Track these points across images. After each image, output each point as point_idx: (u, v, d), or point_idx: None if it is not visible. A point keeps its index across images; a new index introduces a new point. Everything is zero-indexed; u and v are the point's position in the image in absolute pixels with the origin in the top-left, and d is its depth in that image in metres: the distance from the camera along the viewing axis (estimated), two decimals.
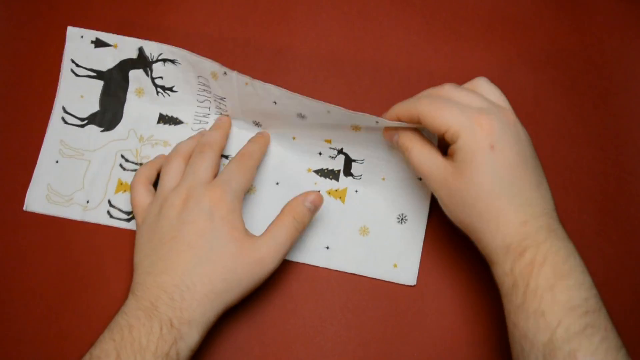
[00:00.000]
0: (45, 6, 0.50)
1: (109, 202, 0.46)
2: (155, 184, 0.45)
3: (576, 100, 0.50)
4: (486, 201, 0.35)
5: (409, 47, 0.51)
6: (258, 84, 0.41)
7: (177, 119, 0.48)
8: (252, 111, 0.45)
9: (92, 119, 0.48)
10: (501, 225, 0.35)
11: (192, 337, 0.37)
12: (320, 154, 0.46)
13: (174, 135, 0.48)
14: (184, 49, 0.44)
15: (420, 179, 0.45)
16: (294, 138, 0.46)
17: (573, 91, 0.51)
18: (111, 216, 0.46)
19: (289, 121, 0.44)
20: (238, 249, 0.39)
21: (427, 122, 0.37)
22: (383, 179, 0.46)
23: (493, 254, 0.36)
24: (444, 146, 0.39)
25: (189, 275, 0.37)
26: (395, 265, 0.45)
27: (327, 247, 0.45)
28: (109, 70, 0.48)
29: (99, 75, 0.48)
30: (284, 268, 0.44)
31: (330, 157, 0.46)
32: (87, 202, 0.46)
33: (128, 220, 0.46)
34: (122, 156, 0.47)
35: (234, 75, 0.42)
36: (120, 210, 0.46)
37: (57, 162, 0.47)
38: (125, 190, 0.47)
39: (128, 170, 0.47)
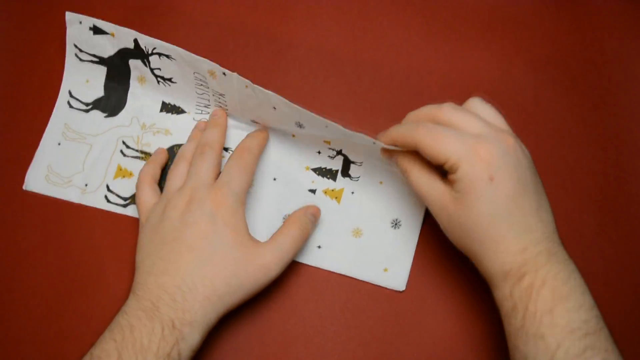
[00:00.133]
0: None
1: (107, 186, 0.47)
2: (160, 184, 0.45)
3: (576, 100, 0.50)
4: (485, 230, 0.36)
5: (409, 47, 0.51)
6: (258, 89, 0.41)
7: (179, 107, 0.48)
8: (251, 111, 0.45)
9: (97, 104, 0.48)
10: (500, 252, 0.35)
11: (193, 337, 0.37)
12: (319, 152, 0.46)
13: (175, 124, 0.48)
14: (178, 47, 0.43)
15: None
16: (293, 135, 0.46)
17: (573, 91, 0.51)
18: (108, 201, 0.46)
19: (288, 127, 0.45)
20: (241, 253, 0.39)
21: (426, 152, 0.36)
22: (380, 182, 0.46)
23: (492, 278, 0.36)
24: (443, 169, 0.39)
25: (190, 277, 0.37)
26: (385, 270, 0.44)
27: (319, 247, 0.45)
28: (110, 57, 0.48)
29: (102, 61, 0.48)
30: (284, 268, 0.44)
31: (329, 156, 0.46)
32: (86, 185, 0.47)
33: (125, 205, 0.46)
34: (124, 142, 0.48)
35: (234, 76, 0.42)
36: (117, 195, 0.46)
37: (59, 144, 0.47)
38: (124, 176, 0.47)
39: (128, 156, 0.47)
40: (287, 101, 0.41)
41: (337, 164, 0.47)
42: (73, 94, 0.48)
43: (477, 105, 0.39)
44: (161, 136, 0.48)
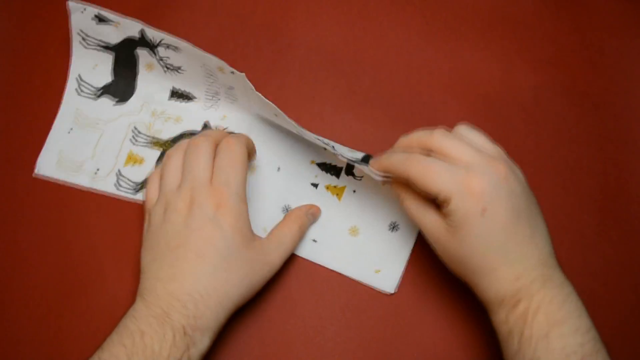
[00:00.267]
0: None
1: (119, 172, 0.47)
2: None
3: (576, 100, 0.50)
4: (479, 260, 0.36)
5: (409, 47, 0.51)
6: (262, 97, 0.42)
7: (189, 94, 0.48)
8: (258, 109, 0.46)
9: (107, 90, 0.48)
10: (494, 281, 0.36)
11: (203, 342, 0.37)
12: (325, 149, 0.47)
13: (185, 111, 0.48)
14: (186, 42, 0.43)
15: None
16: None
17: (573, 91, 0.51)
18: (119, 187, 0.46)
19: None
20: (249, 254, 0.39)
21: (417, 185, 0.37)
22: (383, 184, 0.46)
23: (488, 303, 0.37)
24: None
25: (201, 284, 0.37)
26: (377, 271, 0.44)
27: (315, 240, 0.45)
28: (116, 45, 0.47)
29: (108, 47, 0.48)
30: (285, 268, 0.44)
31: (334, 154, 0.47)
32: (97, 170, 0.47)
33: (135, 192, 0.46)
34: (135, 129, 0.48)
35: (242, 76, 0.42)
36: (128, 181, 0.47)
37: (71, 129, 0.47)
38: (134, 163, 0.47)
39: (139, 143, 0.48)
40: (286, 117, 0.41)
41: (342, 162, 0.47)
42: (82, 78, 0.48)
43: (466, 132, 0.39)
44: (171, 123, 0.48)
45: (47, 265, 0.45)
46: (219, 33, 0.51)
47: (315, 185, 0.47)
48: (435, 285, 0.45)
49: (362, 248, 0.45)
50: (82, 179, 0.46)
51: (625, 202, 0.48)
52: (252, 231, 0.40)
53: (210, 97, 0.48)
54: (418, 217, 0.39)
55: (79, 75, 0.48)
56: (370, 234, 0.45)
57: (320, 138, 0.44)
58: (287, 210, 0.46)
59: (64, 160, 0.47)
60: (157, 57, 0.47)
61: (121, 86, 0.49)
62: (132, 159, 0.47)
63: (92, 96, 0.48)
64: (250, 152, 0.42)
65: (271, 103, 0.42)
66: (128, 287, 0.44)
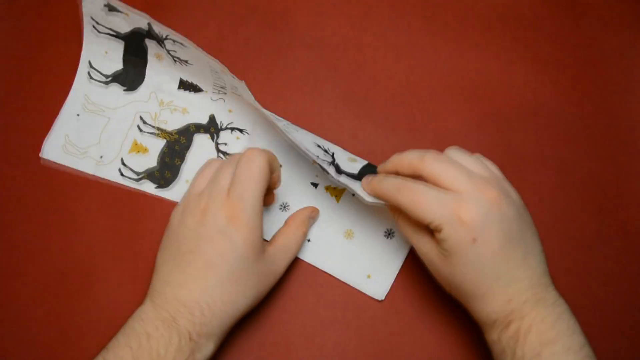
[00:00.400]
0: None
1: (122, 160, 0.47)
2: None
3: (576, 100, 0.50)
4: (471, 285, 0.36)
5: (409, 47, 0.51)
6: (262, 108, 0.42)
7: (197, 85, 0.48)
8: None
9: (116, 78, 0.49)
10: (486, 304, 0.36)
11: (208, 348, 0.37)
12: (323, 168, 0.46)
13: (193, 102, 0.48)
14: (191, 42, 0.43)
15: None
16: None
17: (573, 91, 0.51)
18: (122, 174, 0.47)
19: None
20: (259, 266, 0.39)
21: (409, 214, 0.37)
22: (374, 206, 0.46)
23: (481, 324, 0.38)
24: None
25: (209, 294, 0.37)
26: (368, 276, 0.45)
27: (309, 240, 0.45)
28: (126, 34, 0.48)
29: (119, 35, 0.48)
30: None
31: (330, 175, 0.46)
32: (101, 157, 0.47)
33: (138, 180, 0.46)
34: (141, 118, 0.48)
35: (242, 84, 0.43)
36: (131, 169, 0.47)
37: (78, 115, 0.48)
38: (139, 151, 0.47)
39: (145, 132, 0.48)
40: (281, 129, 0.42)
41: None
42: (93, 64, 0.49)
43: (457, 154, 0.38)
44: (178, 114, 0.48)
45: (48, 264, 0.45)
46: (219, 33, 0.51)
47: (315, 185, 0.47)
48: (429, 292, 0.45)
49: (356, 252, 0.45)
50: (86, 165, 0.47)
51: (625, 202, 0.48)
52: (262, 243, 0.39)
53: (217, 91, 0.48)
54: (412, 240, 0.39)
55: (90, 62, 0.48)
56: (365, 239, 0.45)
57: (321, 144, 0.44)
58: (284, 208, 0.46)
59: (70, 144, 0.47)
60: (165, 49, 0.47)
61: (131, 74, 0.49)
62: (137, 148, 0.47)
63: (102, 83, 0.49)
64: (273, 168, 0.41)
65: (270, 117, 0.42)
66: (128, 287, 0.44)
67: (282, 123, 0.46)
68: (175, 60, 0.47)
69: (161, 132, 0.48)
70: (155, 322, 0.36)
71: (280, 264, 0.41)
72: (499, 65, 0.51)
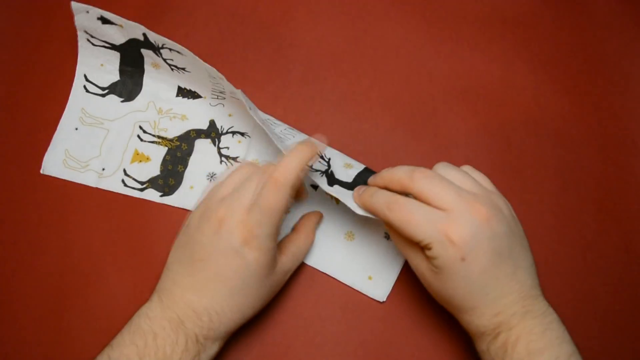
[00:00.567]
0: None
1: (125, 171, 0.47)
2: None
3: (576, 100, 0.50)
4: (460, 300, 0.37)
5: (409, 47, 0.51)
6: (256, 119, 0.42)
7: (195, 92, 0.49)
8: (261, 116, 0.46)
9: (113, 89, 0.49)
10: (475, 317, 0.37)
11: (213, 349, 0.38)
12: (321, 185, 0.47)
13: (192, 109, 0.49)
14: (188, 50, 0.43)
15: None
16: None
17: (573, 91, 0.51)
18: (125, 185, 0.47)
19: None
20: (270, 280, 0.39)
21: (400, 231, 0.37)
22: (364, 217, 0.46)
23: (471, 334, 0.38)
24: None
25: (218, 303, 0.37)
26: (370, 278, 0.45)
27: None
28: (122, 45, 0.48)
29: (114, 47, 0.48)
30: None
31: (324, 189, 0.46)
32: (103, 169, 0.47)
33: (141, 189, 0.47)
34: (141, 127, 0.48)
35: (238, 92, 0.43)
36: (134, 179, 0.47)
37: (76, 129, 0.48)
38: (141, 161, 0.47)
39: (145, 141, 0.48)
40: (277, 135, 0.42)
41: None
42: (89, 77, 0.49)
43: (446, 170, 0.38)
44: (178, 121, 0.48)
45: (52, 267, 0.45)
46: (219, 33, 0.51)
47: (314, 187, 0.47)
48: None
49: (357, 253, 0.45)
50: (88, 179, 0.47)
51: (625, 202, 0.48)
52: (275, 259, 0.39)
53: (216, 96, 0.48)
54: (404, 253, 0.39)
55: (85, 75, 0.49)
56: (366, 240, 0.45)
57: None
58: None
59: (70, 159, 0.47)
60: (162, 57, 0.47)
61: (128, 84, 0.49)
62: (139, 157, 0.48)
63: (99, 95, 0.49)
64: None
65: (268, 122, 0.42)
66: (128, 287, 0.44)
67: (280, 128, 0.46)
68: (172, 68, 0.47)
69: (162, 140, 0.48)
70: (162, 321, 0.36)
71: (289, 272, 0.42)
72: (499, 65, 0.51)
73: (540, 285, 0.38)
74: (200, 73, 0.46)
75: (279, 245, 0.41)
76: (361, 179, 0.43)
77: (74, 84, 0.49)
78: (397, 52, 0.51)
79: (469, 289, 0.36)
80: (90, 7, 0.45)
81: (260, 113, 0.47)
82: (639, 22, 0.53)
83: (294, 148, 0.39)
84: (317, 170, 0.43)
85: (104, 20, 0.46)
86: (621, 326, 0.44)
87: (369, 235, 0.45)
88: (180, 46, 0.43)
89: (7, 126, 0.48)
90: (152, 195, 0.46)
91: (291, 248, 0.42)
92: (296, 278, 0.45)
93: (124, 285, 0.44)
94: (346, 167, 0.44)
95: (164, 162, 0.47)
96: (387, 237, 0.45)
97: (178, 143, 0.48)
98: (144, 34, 0.45)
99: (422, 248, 0.37)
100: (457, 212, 0.35)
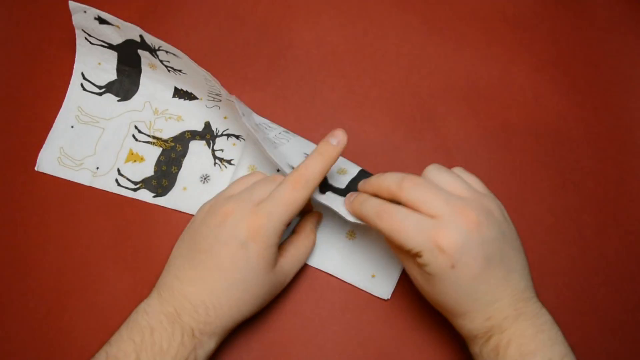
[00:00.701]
0: None
1: (118, 170, 0.47)
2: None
3: (576, 100, 0.50)
4: (451, 305, 0.37)
5: (409, 47, 0.51)
6: (249, 127, 0.43)
7: (191, 94, 0.49)
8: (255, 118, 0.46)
9: (110, 88, 0.49)
10: (467, 321, 0.37)
11: (210, 345, 0.38)
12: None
13: (188, 110, 0.49)
14: (183, 53, 0.43)
15: None
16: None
17: (573, 91, 0.51)
18: (119, 184, 0.47)
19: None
20: (270, 278, 0.39)
21: (389, 239, 0.37)
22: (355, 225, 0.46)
23: (464, 337, 0.39)
24: None
25: (216, 296, 0.38)
26: (373, 276, 0.45)
27: None
28: (119, 45, 0.48)
29: (112, 46, 0.48)
30: None
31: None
32: (97, 168, 0.47)
33: (135, 190, 0.47)
34: (136, 127, 0.48)
35: (232, 98, 0.43)
36: (128, 179, 0.47)
37: (72, 127, 0.48)
38: (135, 161, 0.47)
39: (140, 141, 0.48)
40: (264, 145, 0.42)
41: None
42: (86, 76, 0.49)
43: (436, 174, 0.38)
44: (173, 122, 0.48)
45: (47, 264, 0.45)
46: (218, 33, 0.51)
47: None
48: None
49: (359, 252, 0.45)
50: (82, 177, 0.47)
51: (625, 202, 0.48)
52: (276, 259, 0.40)
53: (212, 99, 0.48)
54: (398, 257, 0.39)
55: (83, 73, 0.49)
56: (367, 239, 0.45)
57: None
58: None
59: (65, 157, 0.47)
60: (158, 59, 0.47)
61: (125, 84, 0.49)
62: (133, 157, 0.48)
63: (96, 94, 0.49)
64: (307, 205, 0.42)
65: (262, 126, 0.43)
66: (125, 286, 0.44)
67: (275, 132, 0.46)
68: (169, 70, 0.47)
69: (157, 141, 0.48)
70: (160, 316, 0.37)
71: (289, 275, 0.42)
72: (499, 65, 0.51)
73: (539, 285, 0.38)
74: (196, 75, 0.46)
75: (278, 247, 0.41)
76: (354, 185, 0.42)
77: (71, 82, 0.49)
78: (397, 52, 0.51)
79: (460, 294, 0.36)
80: (88, 7, 0.45)
81: (256, 116, 0.47)
82: (639, 22, 0.53)
83: (317, 148, 0.40)
84: None
85: (101, 20, 0.46)
86: (620, 326, 0.44)
87: (370, 234, 0.45)
88: (176, 49, 0.43)
89: (3, 122, 0.48)
90: (145, 195, 0.46)
91: (290, 249, 0.42)
92: (297, 278, 0.45)
93: (121, 283, 0.44)
94: (340, 174, 0.44)
95: (158, 162, 0.47)
96: None
97: (173, 144, 0.48)
98: (141, 36, 0.45)
99: (413, 255, 0.37)
100: (447, 219, 0.35)
